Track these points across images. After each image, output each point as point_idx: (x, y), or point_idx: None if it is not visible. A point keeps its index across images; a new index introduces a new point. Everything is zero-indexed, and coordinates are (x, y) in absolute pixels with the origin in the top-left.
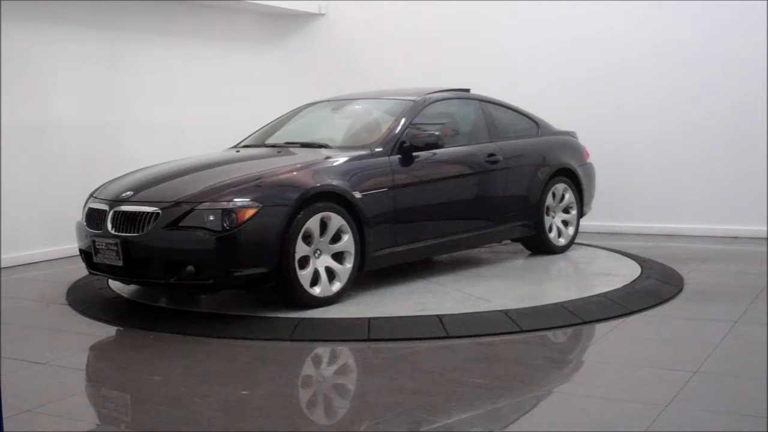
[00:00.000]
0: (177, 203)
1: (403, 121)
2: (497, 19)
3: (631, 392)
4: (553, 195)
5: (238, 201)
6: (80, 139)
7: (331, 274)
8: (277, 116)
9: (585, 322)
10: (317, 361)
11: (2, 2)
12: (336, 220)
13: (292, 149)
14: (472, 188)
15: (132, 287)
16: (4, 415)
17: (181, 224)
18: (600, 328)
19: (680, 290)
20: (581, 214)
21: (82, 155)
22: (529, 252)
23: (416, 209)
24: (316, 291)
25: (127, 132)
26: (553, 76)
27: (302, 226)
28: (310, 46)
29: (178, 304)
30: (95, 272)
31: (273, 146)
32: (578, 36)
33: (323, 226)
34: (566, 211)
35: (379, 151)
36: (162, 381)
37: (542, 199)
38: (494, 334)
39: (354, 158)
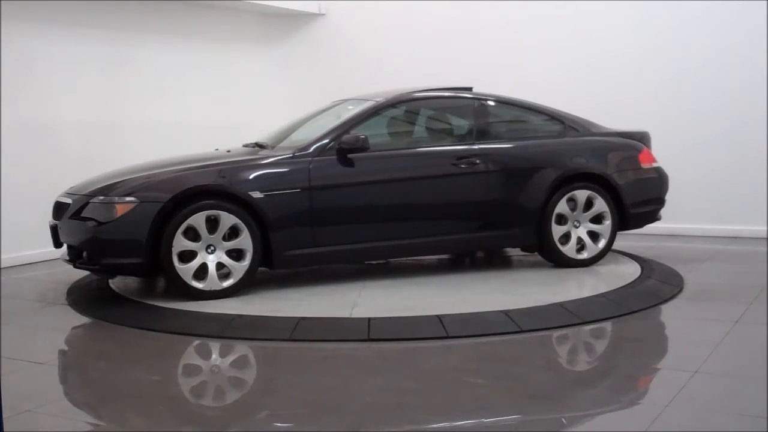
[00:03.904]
0: (84, 196)
1: (338, 123)
2: (498, 18)
3: (631, 392)
4: (572, 202)
5: (120, 196)
6: (80, 139)
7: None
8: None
9: (585, 322)
10: (316, 362)
11: (2, 2)
12: (227, 218)
13: (240, 149)
14: (429, 192)
15: (132, 287)
16: (4, 415)
17: (81, 215)
18: (600, 328)
19: (680, 290)
20: (620, 225)
21: (82, 155)
22: (551, 264)
23: (343, 211)
24: (200, 285)
25: (127, 132)
26: (552, 76)
27: (182, 222)
28: (311, 46)
29: (178, 304)
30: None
31: (246, 146)
32: (579, 36)
33: (215, 223)
34: (598, 221)
35: (300, 153)
36: (161, 381)
37: (548, 206)
38: (494, 334)
39: (269, 158)
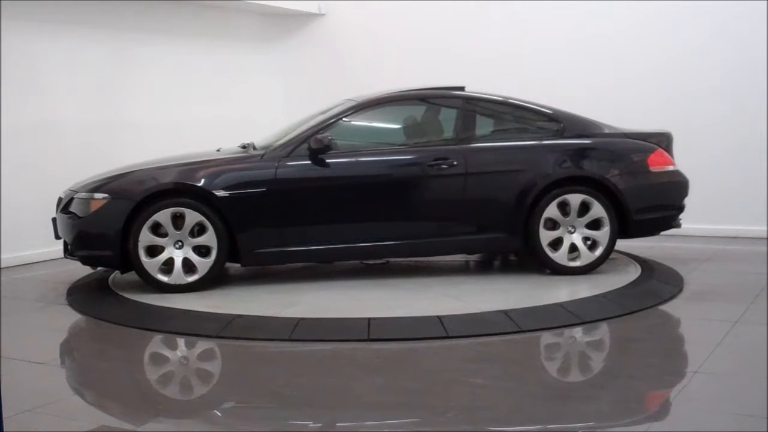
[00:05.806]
0: (72, 192)
1: (311, 124)
2: (497, 19)
3: (631, 392)
4: (565, 206)
5: (95, 192)
6: (80, 139)
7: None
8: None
9: (585, 322)
10: (316, 362)
11: (2, 2)
12: (192, 216)
13: (231, 149)
14: (401, 193)
15: (132, 286)
16: (4, 415)
17: (68, 209)
18: (600, 328)
19: (680, 290)
20: (624, 232)
21: (82, 155)
22: (548, 270)
23: (310, 211)
24: (165, 278)
25: (127, 132)
26: (551, 77)
27: (147, 219)
28: (310, 46)
29: (178, 304)
30: None
31: (240, 146)
32: (578, 37)
33: (182, 220)
34: (596, 227)
35: (270, 154)
36: (161, 380)
37: (535, 210)
38: (494, 334)
39: (239, 158)
